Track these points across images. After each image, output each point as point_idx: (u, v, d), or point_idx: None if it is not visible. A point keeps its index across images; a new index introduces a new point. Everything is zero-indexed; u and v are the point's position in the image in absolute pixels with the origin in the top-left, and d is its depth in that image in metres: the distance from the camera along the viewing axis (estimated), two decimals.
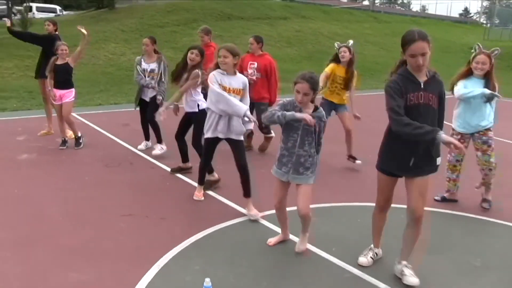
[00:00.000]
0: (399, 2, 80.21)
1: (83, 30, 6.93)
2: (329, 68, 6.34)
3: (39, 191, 5.14)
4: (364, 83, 18.33)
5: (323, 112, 3.69)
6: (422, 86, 3.16)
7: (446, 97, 3.29)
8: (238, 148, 4.62)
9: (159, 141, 6.64)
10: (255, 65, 6.76)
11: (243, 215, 4.62)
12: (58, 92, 6.86)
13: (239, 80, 4.54)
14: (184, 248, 3.87)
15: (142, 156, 6.65)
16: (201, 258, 3.70)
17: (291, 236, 4.06)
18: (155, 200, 4.97)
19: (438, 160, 3.31)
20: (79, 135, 7.05)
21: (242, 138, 4.68)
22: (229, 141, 4.63)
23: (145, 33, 20.66)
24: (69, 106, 6.94)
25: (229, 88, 4.45)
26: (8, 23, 7.84)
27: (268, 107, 6.50)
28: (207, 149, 4.78)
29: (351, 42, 6.44)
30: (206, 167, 5.01)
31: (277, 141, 3.91)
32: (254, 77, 6.66)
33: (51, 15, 31.97)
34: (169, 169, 6.00)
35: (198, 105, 5.41)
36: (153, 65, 6.53)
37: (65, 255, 3.69)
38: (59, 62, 6.82)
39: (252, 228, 4.36)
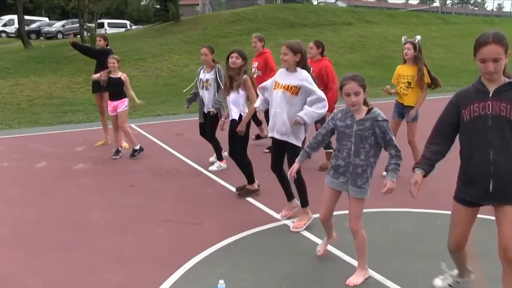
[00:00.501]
0: (472, 1, 76.97)
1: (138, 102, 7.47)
2: (396, 70, 6.14)
3: (88, 198, 5.48)
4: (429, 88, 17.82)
5: (379, 112, 3.33)
6: (490, 94, 2.69)
7: None
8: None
9: (219, 158, 6.58)
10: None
11: (277, 220, 4.67)
12: (112, 104, 7.24)
13: (297, 77, 4.30)
14: (212, 252, 3.98)
15: (190, 164, 6.88)
16: (227, 262, 3.80)
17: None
18: (195, 207, 5.14)
19: None
20: (137, 147, 7.30)
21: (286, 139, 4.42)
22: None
23: (208, 43, 21.33)
24: (123, 116, 7.29)
25: (279, 84, 4.36)
26: (71, 40, 8.39)
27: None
28: None
29: (418, 37, 6.09)
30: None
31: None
32: None
33: (122, 30, 33.75)
34: (213, 176, 6.15)
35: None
36: (209, 75, 6.32)
37: (102, 259, 3.93)
38: (112, 75, 7.19)
39: (282, 233, 4.40)
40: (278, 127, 4.39)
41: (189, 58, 19.44)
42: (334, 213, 3.70)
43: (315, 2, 42.76)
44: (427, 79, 5.84)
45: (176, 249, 4.07)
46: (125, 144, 7.69)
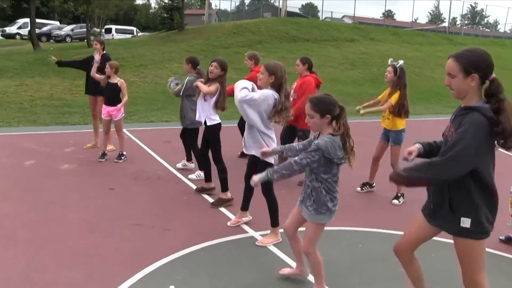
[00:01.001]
0: (483, 23, 77.04)
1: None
2: (385, 91, 6.08)
3: (66, 198, 5.67)
4: (429, 108, 17.95)
5: (324, 138, 3.24)
6: (453, 117, 2.75)
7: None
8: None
9: (200, 167, 6.67)
10: (294, 85, 6.56)
11: (245, 232, 4.80)
12: (107, 108, 7.43)
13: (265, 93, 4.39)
14: (175, 258, 4.12)
15: (172, 171, 7.04)
16: (187, 269, 3.93)
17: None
18: (167, 213, 5.29)
19: (465, 222, 2.64)
20: (124, 152, 7.56)
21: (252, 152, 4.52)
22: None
23: (209, 53, 21.56)
24: (119, 124, 7.54)
25: None
26: (53, 59, 8.44)
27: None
28: None
29: (400, 62, 6.01)
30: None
31: None
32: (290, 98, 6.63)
33: (129, 36, 34.21)
34: (191, 185, 6.32)
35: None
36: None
37: (67, 256, 4.09)
38: (110, 80, 7.37)
39: (247, 245, 4.51)
40: (244, 140, 4.61)
41: None
42: None
43: (321, 18, 43.08)
44: (394, 101, 5.76)
45: (140, 252, 4.21)
46: (111, 147, 7.88)
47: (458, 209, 2.66)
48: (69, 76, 16.82)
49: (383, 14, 65.53)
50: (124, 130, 9.86)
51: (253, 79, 7.31)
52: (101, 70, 7.64)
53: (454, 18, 59.37)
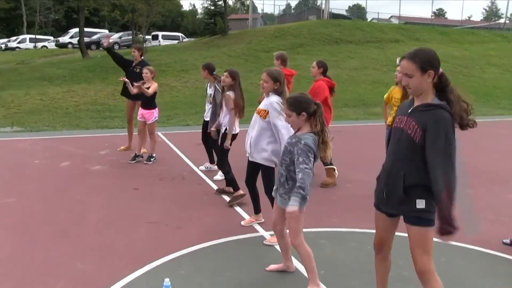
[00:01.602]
0: None
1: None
2: (390, 90, 6.24)
3: (92, 197, 5.99)
4: (475, 110, 17.30)
5: (307, 136, 3.37)
6: (409, 111, 2.84)
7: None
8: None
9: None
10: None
11: (256, 231, 4.92)
12: (142, 111, 7.76)
13: (267, 101, 4.49)
14: (182, 254, 4.29)
15: (197, 173, 7.26)
16: (192, 265, 4.09)
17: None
18: (183, 212, 5.49)
19: (420, 203, 2.78)
20: (154, 154, 7.87)
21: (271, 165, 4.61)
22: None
23: (251, 57, 21.87)
24: (152, 127, 7.84)
25: (258, 108, 4.61)
26: (106, 43, 8.83)
27: None
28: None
29: None
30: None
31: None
32: None
33: (175, 42, 35.08)
34: (213, 186, 6.51)
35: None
36: (210, 90, 6.91)
37: (82, 251, 4.36)
38: (147, 85, 7.66)
39: (255, 244, 4.62)
40: (247, 147, 4.68)
41: None
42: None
43: (368, 19, 42.56)
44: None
45: (150, 249, 4.41)
46: (143, 150, 8.20)
47: (413, 192, 2.80)
48: (113, 82, 17.54)
49: (433, 13, 63.89)
50: (159, 133, 10.28)
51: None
52: (139, 76, 7.86)
53: None
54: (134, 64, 8.37)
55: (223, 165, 5.72)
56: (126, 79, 7.73)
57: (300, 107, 3.41)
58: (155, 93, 7.74)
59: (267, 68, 4.60)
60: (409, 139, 2.78)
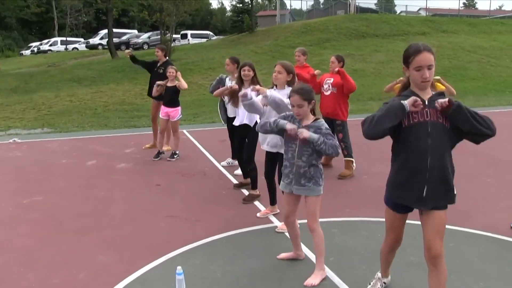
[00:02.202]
0: None
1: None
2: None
3: (115, 193, 6.26)
4: (502, 100, 17.07)
5: (323, 122, 3.65)
6: (426, 102, 2.84)
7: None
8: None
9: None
10: (331, 80, 6.93)
11: (270, 222, 5.07)
12: (165, 109, 7.99)
13: (283, 92, 4.52)
14: (198, 245, 4.47)
15: (219, 168, 7.45)
16: (206, 255, 4.27)
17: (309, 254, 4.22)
18: (202, 206, 5.67)
19: (454, 189, 2.93)
20: (177, 151, 8.10)
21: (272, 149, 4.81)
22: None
23: (277, 54, 21.97)
24: (176, 124, 8.04)
25: None
26: (127, 53, 9.16)
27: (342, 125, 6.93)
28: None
29: None
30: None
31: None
32: (328, 92, 6.91)
33: (204, 40, 35.43)
34: (234, 180, 6.67)
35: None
36: (231, 83, 6.99)
37: (103, 243, 4.60)
38: (169, 84, 7.89)
39: (268, 234, 4.77)
40: (269, 139, 4.79)
41: (256, 68, 20.04)
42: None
43: (397, 12, 42.01)
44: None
45: (168, 241, 4.61)
46: (168, 147, 8.43)
47: (451, 181, 2.90)
48: (141, 82, 17.92)
49: (464, 4, 62.52)
50: (184, 130, 10.55)
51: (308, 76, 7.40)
52: (163, 77, 8.08)
53: None
54: (158, 64, 8.59)
55: (251, 161, 5.78)
56: (161, 83, 7.92)
57: (310, 96, 3.63)
58: (179, 91, 7.92)
59: (281, 61, 4.78)
60: (444, 127, 2.80)
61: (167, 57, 8.93)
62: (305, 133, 3.52)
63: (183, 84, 7.77)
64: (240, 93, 4.51)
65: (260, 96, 4.57)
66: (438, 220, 2.90)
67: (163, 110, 8.04)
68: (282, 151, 4.60)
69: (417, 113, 2.81)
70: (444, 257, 2.93)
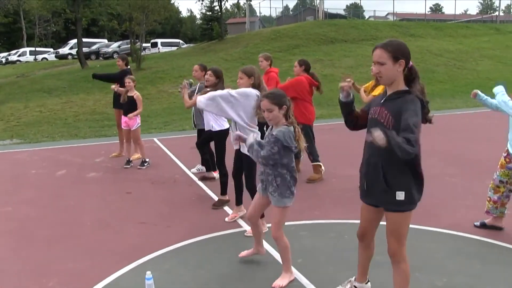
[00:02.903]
0: None
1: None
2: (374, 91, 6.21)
3: (86, 202, 6.27)
4: (468, 102, 17.56)
5: (282, 129, 3.57)
6: (382, 101, 2.97)
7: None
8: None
9: (207, 169, 7.27)
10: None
11: (239, 226, 5.17)
12: (124, 119, 8.03)
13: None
14: (169, 250, 4.54)
15: (188, 175, 7.52)
16: (176, 260, 4.34)
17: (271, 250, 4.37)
18: (172, 211, 5.75)
19: (400, 195, 2.89)
20: (146, 159, 8.14)
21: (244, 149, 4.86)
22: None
23: (247, 61, 22.09)
24: (135, 133, 8.08)
25: None
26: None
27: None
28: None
29: None
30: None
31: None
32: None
33: (174, 48, 35.40)
34: (204, 187, 6.76)
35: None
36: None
37: (75, 251, 4.63)
38: (129, 93, 7.95)
39: (238, 238, 4.87)
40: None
41: (225, 75, 20.14)
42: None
43: (366, 17, 42.74)
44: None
45: (140, 246, 4.66)
46: (137, 155, 8.46)
47: (393, 184, 2.90)
48: (111, 91, 17.76)
49: (430, 8, 63.98)
50: (154, 138, 10.60)
51: (270, 79, 7.57)
52: (121, 85, 8.27)
53: (508, 6, 56.91)
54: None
55: (222, 165, 5.84)
56: (116, 88, 8.06)
57: (281, 101, 3.62)
58: (135, 102, 7.94)
59: (241, 67, 4.92)
60: (384, 128, 2.82)
61: (128, 66, 8.97)
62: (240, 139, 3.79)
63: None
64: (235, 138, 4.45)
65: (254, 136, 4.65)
66: (390, 222, 3.00)
67: (123, 120, 8.09)
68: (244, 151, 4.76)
69: (374, 109, 2.99)
70: (404, 256, 3.05)
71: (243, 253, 4.27)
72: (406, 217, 2.98)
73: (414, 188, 2.92)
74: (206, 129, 6.15)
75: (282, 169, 3.67)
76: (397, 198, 2.90)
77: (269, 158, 3.60)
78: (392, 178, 2.90)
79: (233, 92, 4.71)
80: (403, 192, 2.89)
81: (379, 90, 6.24)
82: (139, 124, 8.15)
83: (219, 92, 4.78)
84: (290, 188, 3.69)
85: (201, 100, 4.72)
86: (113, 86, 8.36)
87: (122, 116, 8.12)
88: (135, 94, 7.98)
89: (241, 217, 5.36)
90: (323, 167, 7.05)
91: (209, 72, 5.78)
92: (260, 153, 3.63)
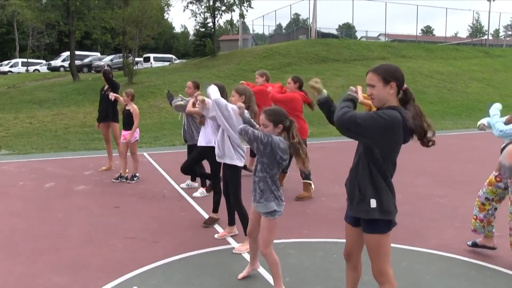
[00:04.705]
0: None
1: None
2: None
3: (74, 215, 6.20)
4: (458, 123, 17.78)
5: (280, 138, 3.65)
6: None
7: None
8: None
9: (202, 184, 7.27)
10: None
11: (228, 243, 5.13)
12: (124, 132, 8.03)
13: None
14: (156, 266, 4.49)
15: (178, 190, 7.48)
16: (163, 275, 4.29)
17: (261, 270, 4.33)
18: (161, 227, 5.69)
19: (372, 202, 2.94)
20: (137, 174, 8.10)
21: (235, 163, 4.90)
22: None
23: (239, 78, 22.17)
24: (134, 146, 8.08)
25: None
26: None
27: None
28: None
29: None
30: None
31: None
32: None
33: (167, 64, 35.48)
34: (192, 203, 6.71)
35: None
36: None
37: (59, 264, 4.55)
38: (127, 107, 7.95)
39: (226, 254, 4.83)
40: (216, 150, 4.95)
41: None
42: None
43: (358, 37, 43.23)
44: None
45: (126, 262, 4.61)
46: (127, 171, 8.42)
47: (366, 192, 2.94)
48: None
49: (422, 30, 64.88)
50: (144, 153, 10.55)
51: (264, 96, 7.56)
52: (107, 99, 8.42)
53: (496, 30, 57.93)
54: (105, 88, 8.67)
55: (217, 183, 5.79)
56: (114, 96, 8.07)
57: (278, 119, 3.66)
58: (132, 116, 7.94)
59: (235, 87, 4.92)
60: (367, 148, 2.93)
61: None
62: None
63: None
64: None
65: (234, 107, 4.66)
66: (369, 244, 3.03)
67: (122, 134, 8.07)
68: (226, 161, 4.84)
69: None
70: (389, 277, 3.04)
71: (242, 274, 4.23)
72: (383, 237, 2.99)
73: (385, 198, 2.94)
74: (202, 145, 6.01)
75: (264, 173, 3.71)
76: (371, 205, 2.93)
77: (256, 138, 3.59)
78: (365, 187, 2.95)
79: (229, 106, 4.73)
80: (375, 200, 2.93)
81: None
82: (137, 138, 8.13)
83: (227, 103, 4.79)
84: (273, 192, 3.72)
85: (220, 102, 4.70)
86: (111, 94, 8.27)
87: (122, 130, 8.09)
88: (132, 107, 7.96)
89: (231, 236, 5.32)
90: (313, 186, 7.05)
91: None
92: (252, 130, 3.64)
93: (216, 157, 4.99)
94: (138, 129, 8.12)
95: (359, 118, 2.81)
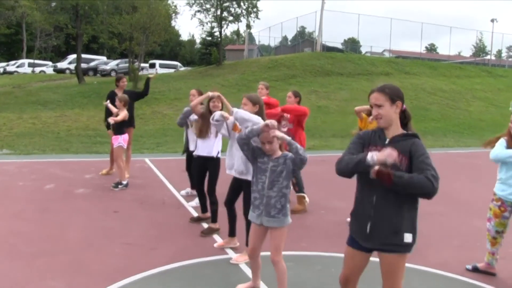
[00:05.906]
0: None
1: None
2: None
3: (73, 218, 6.19)
4: (459, 141, 17.77)
5: (288, 154, 3.79)
6: (387, 141, 2.94)
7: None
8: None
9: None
10: (288, 116, 7.07)
11: (226, 253, 5.12)
12: (113, 136, 8.05)
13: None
14: (153, 274, 4.48)
15: (177, 198, 7.48)
16: (160, 283, 4.29)
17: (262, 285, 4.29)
18: (159, 234, 5.69)
19: (407, 237, 2.85)
20: (123, 182, 7.96)
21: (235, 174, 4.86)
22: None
23: (243, 87, 22.28)
24: (118, 151, 8.01)
25: (237, 127, 4.86)
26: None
27: None
28: None
29: None
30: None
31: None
32: (285, 128, 7.06)
33: (172, 70, 35.62)
34: (191, 210, 6.72)
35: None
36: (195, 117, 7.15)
37: (56, 268, 4.54)
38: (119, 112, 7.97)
39: (224, 264, 4.82)
40: (236, 166, 4.82)
41: None
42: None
43: (362, 52, 43.35)
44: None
45: (122, 268, 4.60)
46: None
47: (402, 226, 2.86)
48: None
49: (426, 48, 65.06)
50: (146, 159, 10.57)
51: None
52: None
53: (499, 51, 58.07)
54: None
55: (213, 194, 5.76)
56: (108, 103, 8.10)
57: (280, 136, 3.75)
58: (123, 120, 7.92)
59: (247, 94, 4.84)
60: (395, 168, 2.79)
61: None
62: (277, 132, 3.68)
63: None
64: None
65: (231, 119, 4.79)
66: (389, 264, 2.95)
67: (113, 138, 8.12)
68: (248, 179, 4.63)
69: (376, 149, 2.88)
70: None
71: (240, 286, 4.19)
72: (404, 258, 2.95)
73: (417, 228, 2.93)
74: (204, 155, 5.93)
75: (287, 189, 3.81)
76: (405, 240, 2.86)
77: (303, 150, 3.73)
78: (401, 220, 2.86)
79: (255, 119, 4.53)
80: (411, 234, 2.87)
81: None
82: (121, 144, 7.98)
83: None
84: (287, 205, 3.84)
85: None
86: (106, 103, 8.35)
87: (113, 135, 8.10)
88: (124, 113, 7.93)
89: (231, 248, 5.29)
90: (307, 199, 7.01)
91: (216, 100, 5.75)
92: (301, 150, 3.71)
93: (237, 174, 4.83)
94: (124, 136, 8.03)
95: (436, 181, 2.82)
